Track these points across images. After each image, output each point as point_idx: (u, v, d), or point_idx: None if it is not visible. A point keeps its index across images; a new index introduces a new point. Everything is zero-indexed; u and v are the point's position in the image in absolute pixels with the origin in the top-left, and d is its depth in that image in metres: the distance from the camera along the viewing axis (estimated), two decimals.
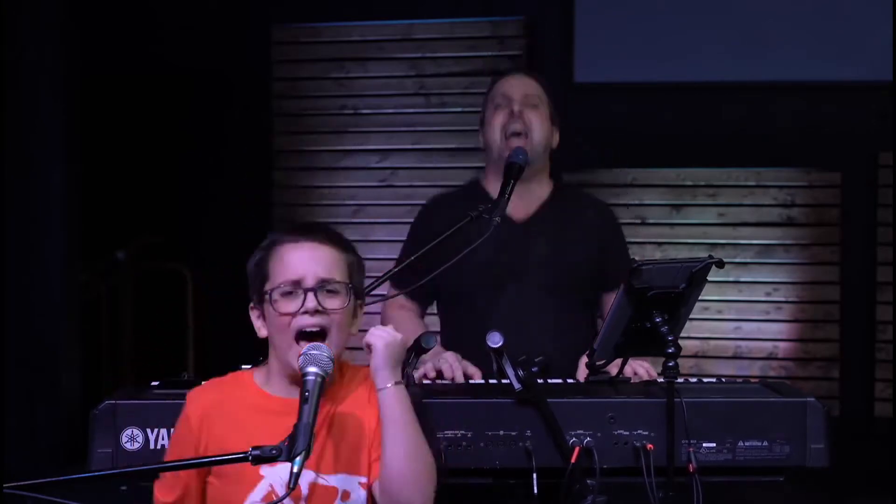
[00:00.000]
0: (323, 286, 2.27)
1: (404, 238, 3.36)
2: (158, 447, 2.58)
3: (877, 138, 5.88)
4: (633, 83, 6.16)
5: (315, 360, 2.13)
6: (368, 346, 2.31)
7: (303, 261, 2.28)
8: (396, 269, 3.07)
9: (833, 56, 5.90)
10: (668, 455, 2.51)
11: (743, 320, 6.03)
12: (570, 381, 2.93)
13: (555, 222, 3.22)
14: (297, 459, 2.01)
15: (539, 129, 3.19)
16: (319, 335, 2.26)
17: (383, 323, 3.24)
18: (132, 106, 6.51)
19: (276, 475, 2.24)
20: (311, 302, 2.25)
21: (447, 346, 3.14)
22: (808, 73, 5.96)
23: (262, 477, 2.25)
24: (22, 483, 1.95)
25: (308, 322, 2.25)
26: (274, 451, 2.04)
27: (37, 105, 5.31)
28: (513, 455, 2.57)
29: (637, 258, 2.73)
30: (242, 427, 2.27)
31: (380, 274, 2.96)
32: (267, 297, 2.28)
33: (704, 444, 2.59)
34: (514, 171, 3.06)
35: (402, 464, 2.25)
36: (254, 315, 2.35)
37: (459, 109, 6.25)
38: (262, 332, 2.34)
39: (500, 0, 6.30)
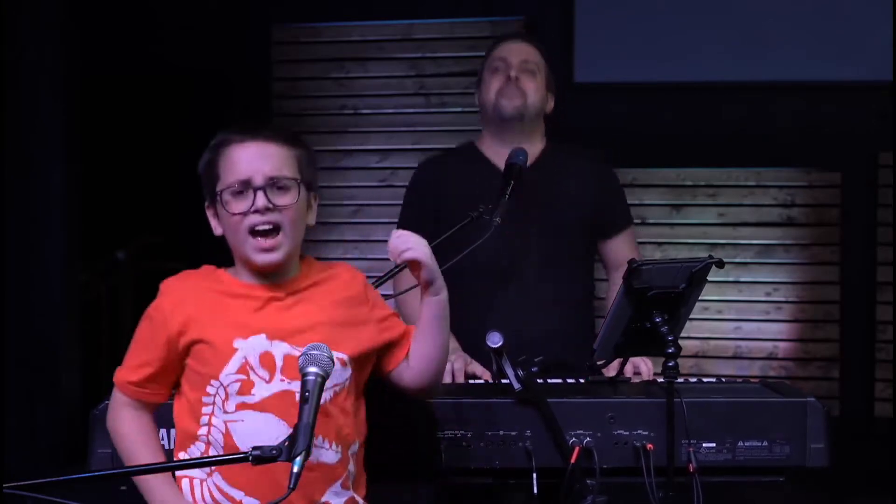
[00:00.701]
0: (272, 183, 2.29)
1: None
2: None
3: (877, 138, 5.88)
4: (633, 83, 6.16)
5: (315, 360, 2.13)
6: (405, 260, 2.35)
7: (251, 160, 2.30)
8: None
9: (833, 56, 5.90)
10: (668, 455, 2.51)
11: (743, 320, 6.03)
12: (569, 380, 2.94)
13: (548, 175, 3.24)
14: (298, 459, 2.01)
15: (534, 94, 3.25)
16: (272, 232, 2.30)
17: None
18: (132, 106, 6.50)
19: (249, 347, 2.28)
20: (260, 200, 2.28)
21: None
22: (808, 73, 5.96)
23: (235, 350, 2.27)
24: (22, 483, 1.95)
25: (259, 220, 2.29)
26: (274, 451, 2.03)
27: (37, 105, 5.30)
28: (513, 455, 2.57)
29: (637, 258, 2.73)
30: (214, 307, 2.31)
31: (380, 274, 2.96)
32: (218, 197, 2.32)
33: (704, 444, 2.59)
34: (514, 172, 3.08)
35: (439, 358, 2.43)
36: (209, 214, 2.40)
37: (459, 109, 6.25)
38: (217, 230, 2.39)
39: (500, 0, 6.30)
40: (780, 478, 2.64)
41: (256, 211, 2.28)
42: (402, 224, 3.25)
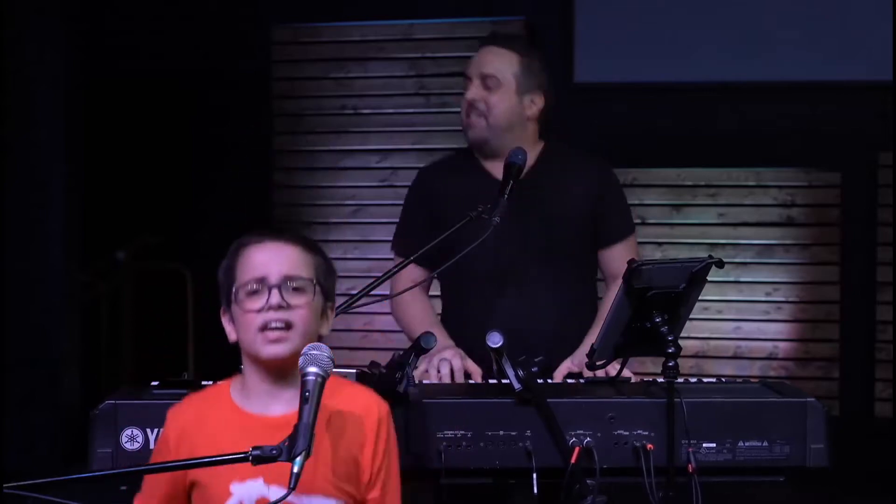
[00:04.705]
0: (287, 283, 2.28)
1: None
2: None
3: (877, 138, 5.88)
4: (633, 83, 6.16)
5: (315, 360, 2.13)
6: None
7: (266, 259, 2.30)
8: (402, 240, 3.22)
9: (833, 56, 5.90)
10: (668, 455, 2.51)
11: (743, 320, 6.03)
12: (570, 381, 2.94)
13: (541, 185, 3.20)
14: (298, 459, 2.01)
15: (498, 109, 3.19)
16: (283, 328, 2.26)
17: (393, 306, 3.26)
18: (132, 106, 6.51)
19: (244, 492, 2.25)
20: (274, 298, 2.26)
21: (448, 320, 3.22)
22: (808, 73, 5.96)
23: (231, 494, 2.25)
24: (22, 483, 1.95)
25: (272, 317, 2.26)
26: (274, 452, 2.03)
27: (37, 105, 5.31)
28: (513, 455, 2.57)
29: (637, 258, 2.73)
30: (219, 445, 2.23)
31: (379, 274, 2.96)
32: (234, 297, 2.30)
33: (704, 444, 2.59)
34: (513, 172, 3.06)
35: None
36: (225, 320, 2.36)
37: (459, 109, 6.23)
38: (232, 336, 2.35)
39: (500, 0, 6.30)
40: (780, 478, 2.64)
41: (270, 308, 2.26)
42: (401, 228, 3.29)
